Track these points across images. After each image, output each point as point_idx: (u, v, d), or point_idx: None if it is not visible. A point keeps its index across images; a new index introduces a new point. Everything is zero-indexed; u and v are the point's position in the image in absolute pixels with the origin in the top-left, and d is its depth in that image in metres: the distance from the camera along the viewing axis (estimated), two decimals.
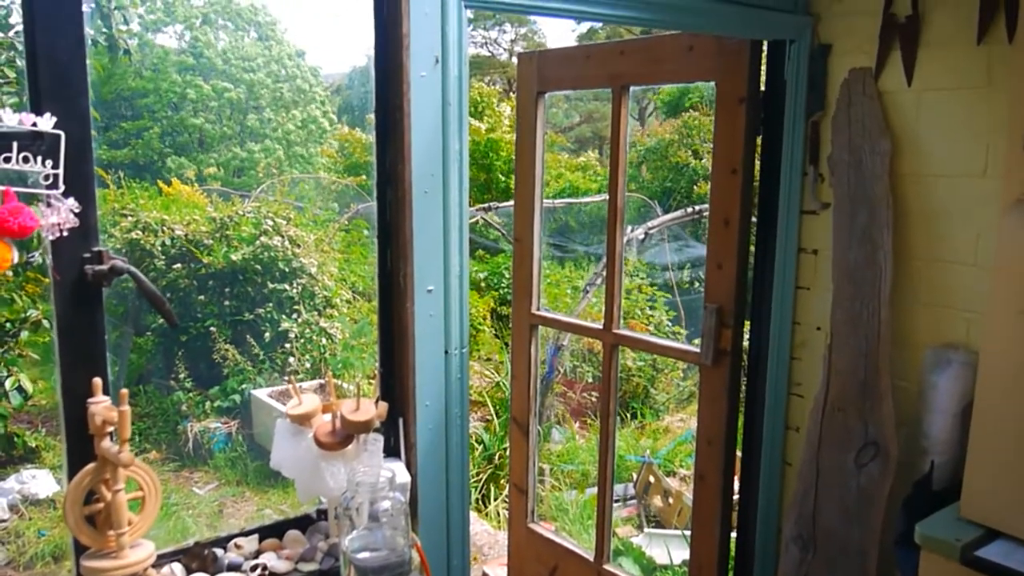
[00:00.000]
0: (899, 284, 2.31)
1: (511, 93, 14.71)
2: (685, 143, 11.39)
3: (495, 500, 4.94)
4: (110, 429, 1.60)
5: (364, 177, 9.99)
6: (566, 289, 8.13)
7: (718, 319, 2.57)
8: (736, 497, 2.78)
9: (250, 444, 6.12)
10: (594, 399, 6.44)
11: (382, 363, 2.12)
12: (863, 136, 2.34)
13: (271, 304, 6.65)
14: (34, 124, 1.52)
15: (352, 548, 1.74)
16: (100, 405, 1.60)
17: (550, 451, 5.63)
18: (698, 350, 2.65)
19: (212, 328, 6.44)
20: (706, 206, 3.07)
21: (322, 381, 6.15)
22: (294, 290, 6.72)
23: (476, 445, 5.37)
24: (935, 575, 1.84)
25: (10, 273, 4.39)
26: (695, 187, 10.71)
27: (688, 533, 3.16)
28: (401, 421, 2.07)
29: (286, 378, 6.26)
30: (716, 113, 2.54)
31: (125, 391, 1.58)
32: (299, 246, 6.93)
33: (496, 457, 5.22)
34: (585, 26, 18.13)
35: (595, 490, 4.49)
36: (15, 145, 1.49)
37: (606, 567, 3.04)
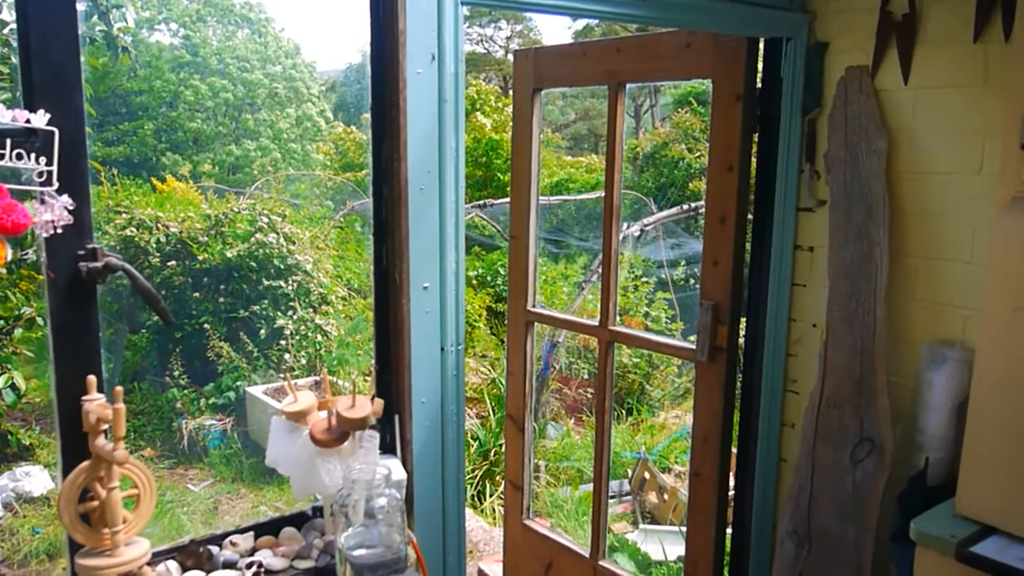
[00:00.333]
0: (895, 281, 2.31)
1: (508, 91, 14.70)
2: (680, 141, 11.41)
3: (490, 497, 4.94)
4: (105, 427, 1.59)
5: (364, 173, 9.98)
6: (562, 287, 8.13)
7: (714, 316, 2.57)
8: (731, 493, 2.78)
9: (245, 441, 6.12)
10: (589, 396, 6.44)
11: (378, 360, 2.11)
12: (859, 134, 2.34)
13: (266, 301, 6.64)
14: (27, 121, 1.52)
15: (348, 545, 1.73)
16: (95, 403, 1.60)
17: (545, 448, 5.63)
18: (694, 347, 2.65)
19: (207, 325, 6.43)
20: (702, 203, 3.07)
21: (317, 378, 6.14)
22: (289, 287, 6.71)
23: (471, 442, 5.37)
24: (930, 571, 1.84)
25: (3, 271, 4.38)
26: (689, 185, 10.73)
27: (683, 529, 3.16)
28: (397, 418, 2.07)
29: (281, 375, 6.26)
30: (712, 110, 2.54)
31: (119, 388, 1.58)
32: (294, 243, 6.92)
33: (492, 454, 5.22)
34: (581, 23, 18.13)
35: (590, 487, 4.50)
36: (8, 142, 1.48)
37: (601, 563, 3.04)
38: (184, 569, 1.80)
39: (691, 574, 2.76)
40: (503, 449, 4.54)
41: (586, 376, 6.72)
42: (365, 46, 1.99)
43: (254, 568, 1.80)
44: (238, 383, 6.33)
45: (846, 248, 2.36)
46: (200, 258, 6.69)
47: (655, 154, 11.76)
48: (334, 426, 1.84)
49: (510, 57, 18.10)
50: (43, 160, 1.52)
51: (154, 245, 6.67)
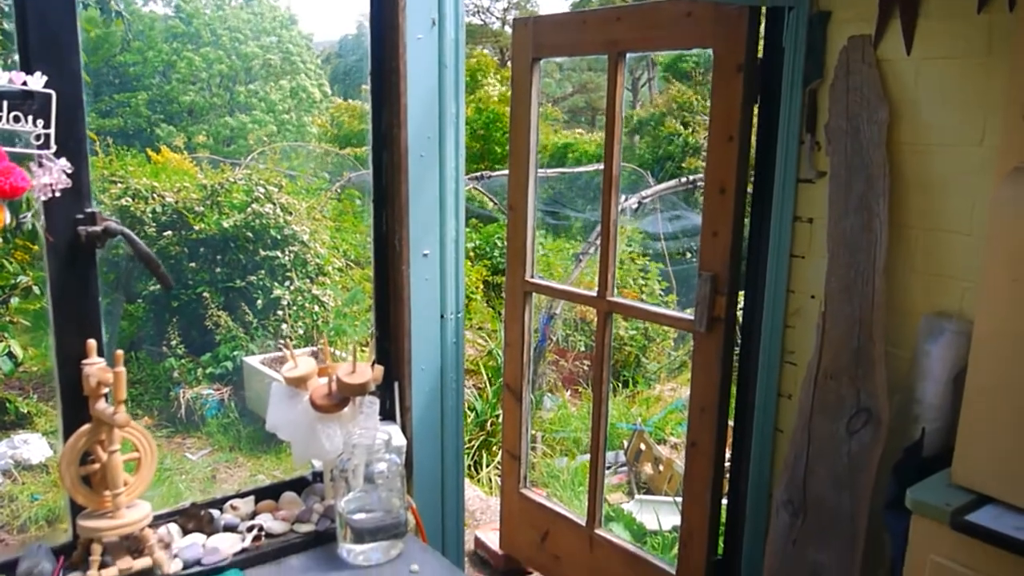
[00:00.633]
0: (894, 252, 2.31)
1: (505, 63, 14.60)
2: (676, 115, 11.37)
3: (487, 467, 4.97)
4: (105, 390, 1.60)
5: (364, 149, 9.94)
6: (558, 260, 8.13)
7: (712, 287, 2.57)
8: (727, 464, 2.80)
9: (242, 410, 6.14)
10: (586, 368, 6.46)
11: (378, 327, 2.12)
12: (861, 104, 2.33)
13: (263, 271, 6.63)
14: (24, 83, 1.50)
15: (348, 509, 1.75)
16: (95, 367, 1.60)
17: (542, 419, 5.66)
18: (692, 318, 2.66)
19: (204, 295, 6.43)
20: (700, 176, 3.06)
21: (314, 348, 6.15)
22: (286, 257, 6.70)
23: (468, 412, 5.39)
24: (925, 539, 1.86)
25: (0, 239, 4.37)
26: (686, 159, 10.72)
27: (678, 500, 3.19)
28: (397, 385, 2.08)
29: (281, 342, 6.27)
30: (713, 80, 2.53)
31: (120, 352, 1.58)
32: (291, 213, 6.90)
33: (488, 424, 5.25)
34: None
35: (586, 457, 4.52)
36: (5, 104, 1.47)
37: (597, 532, 3.07)
38: (185, 532, 1.81)
39: (686, 543, 2.78)
40: (500, 420, 4.56)
41: (583, 348, 6.74)
42: (362, 15, 1.98)
43: (255, 531, 1.81)
44: (235, 353, 6.34)
45: (846, 219, 2.36)
46: (196, 228, 6.67)
47: (651, 124, 11.72)
48: (334, 392, 1.85)
49: (507, 28, 17.96)
50: (40, 123, 1.51)
51: (150, 215, 6.64)
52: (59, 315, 1.62)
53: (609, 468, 4.89)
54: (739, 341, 2.74)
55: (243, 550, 1.76)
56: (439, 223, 2.05)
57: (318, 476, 2.03)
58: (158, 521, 1.77)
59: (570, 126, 16.07)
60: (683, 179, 6.70)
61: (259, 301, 6.52)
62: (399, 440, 2.00)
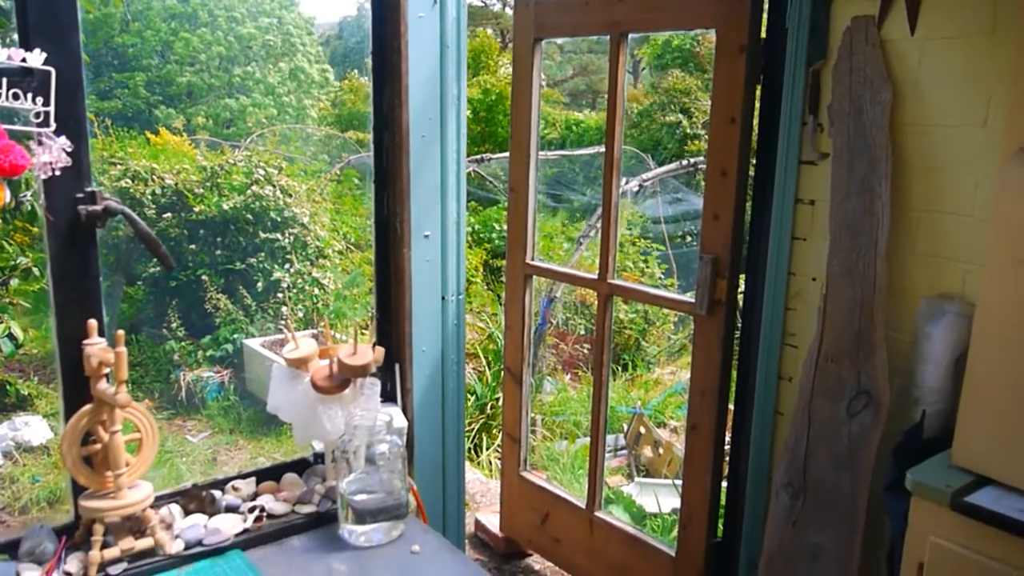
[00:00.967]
0: (896, 234, 2.31)
1: (507, 45, 14.53)
2: (674, 104, 11.33)
3: (487, 450, 4.98)
4: (106, 371, 1.60)
5: (364, 135, 9.91)
6: (561, 243, 8.11)
7: (714, 269, 2.57)
8: (727, 446, 2.81)
9: (243, 393, 6.15)
10: (585, 351, 6.47)
11: (378, 309, 2.12)
12: (864, 85, 2.32)
13: (263, 254, 6.62)
14: (23, 60, 1.49)
15: (349, 490, 1.75)
16: (96, 347, 1.60)
17: (542, 402, 5.67)
18: (692, 301, 2.65)
19: (204, 277, 6.42)
20: (701, 159, 3.05)
21: (315, 331, 6.15)
22: (286, 240, 6.69)
23: (469, 395, 5.40)
24: (925, 520, 1.86)
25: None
26: (685, 145, 10.71)
27: (678, 483, 3.20)
28: (398, 367, 2.08)
29: (282, 323, 6.27)
30: (716, 61, 2.51)
31: (121, 332, 1.58)
32: (291, 196, 6.88)
33: (488, 407, 5.26)
34: None
35: (585, 441, 4.53)
36: (4, 81, 1.46)
37: (597, 514, 3.08)
38: (187, 513, 1.81)
39: (686, 526, 2.79)
40: (500, 403, 4.56)
41: (582, 332, 6.74)
42: None
43: (256, 512, 1.81)
44: (235, 336, 6.34)
45: (848, 201, 2.35)
46: (196, 210, 6.65)
47: (650, 112, 11.69)
48: (335, 373, 1.85)
49: (508, 10, 17.85)
50: (40, 101, 1.50)
51: (149, 197, 6.62)
52: (60, 295, 1.62)
53: (609, 451, 4.90)
54: (740, 324, 2.74)
55: (245, 531, 1.77)
56: (441, 205, 2.04)
57: (319, 457, 2.03)
58: (160, 502, 1.77)
59: (570, 108, 16.00)
60: (684, 162, 6.67)
61: (259, 283, 6.52)
62: (400, 421, 2.00)
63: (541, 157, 6.25)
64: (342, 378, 1.85)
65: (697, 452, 2.74)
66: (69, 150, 1.53)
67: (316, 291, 6.62)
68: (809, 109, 2.49)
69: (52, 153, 1.52)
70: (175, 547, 1.67)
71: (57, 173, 1.53)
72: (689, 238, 8.48)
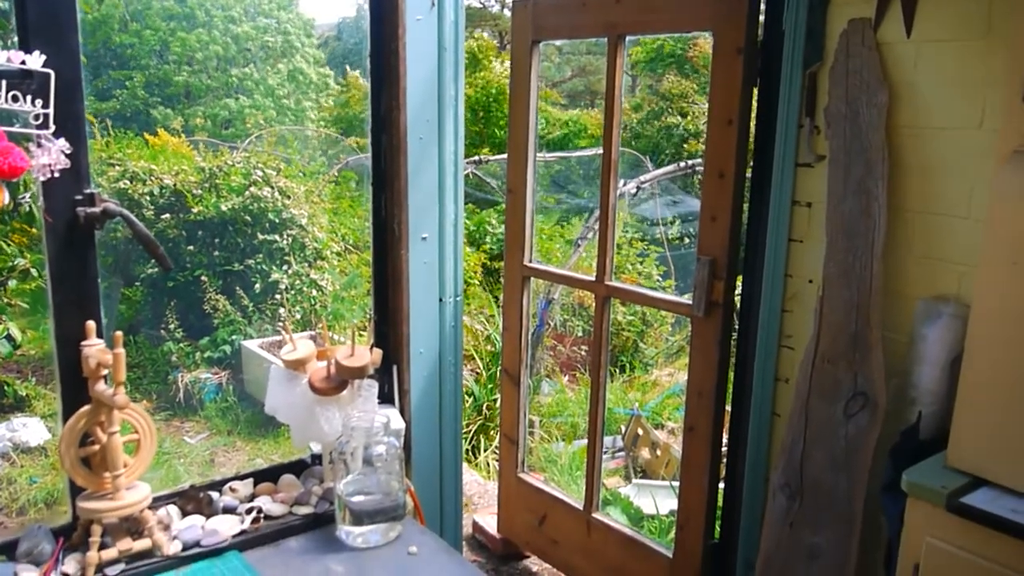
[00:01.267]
0: (892, 236, 2.32)
1: (505, 47, 14.54)
2: (673, 107, 11.36)
3: (485, 451, 4.98)
4: (104, 372, 1.60)
5: (362, 140, 9.91)
6: (556, 245, 8.12)
7: (711, 271, 2.57)
8: (724, 448, 2.81)
9: (241, 395, 6.14)
10: (583, 353, 6.47)
11: (376, 311, 2.12)
12: (860, 88, 2.33)
13: (261, 255, 6.62)
14: (23, 62, 1.50)
15: (347, 492, 1.75)
16: (94, 348, 1.60)
17: (540, 404, 5.67)
18: (690, 302, 2.66)
19: (202, 278, 6.42)
20: (699, 160, 3.06)
21: (313, 332, 6.15)
22: (284, 241, 6.69)
23: (467, 397, 5.40)
24: (921, 521, 1.87)
25: None
26: (684, 145, 10.72)
27: (675, 484, 3.21)
28: (395, 368, 2.08)
29: (280, 324, 6.26)
30: (713, 63, 2.52)
31: (119, 333, 1.58)
32: (289, 197, 6.88)
33: (485, 409, 5.26)
34: None
35: (583, 442, 4.53)
36: (3, 84, 1.47)
37: (595, 516, 3.08)
38: (184, 514, 1.82)
39: (683, 527, 2.80)
40: (497, 405, 4.57)
41: (580, 334, 6.74)
42: None
43: (254, 514, 1.82)
44: (233, 337, 6.34)
45: (844, 203, 2.36)
46: (195, 211, 6.65)
47: (649, 118, 11.72)
48: (333, 375, 1.85)
49: (506, 12, 17.85)
50: (39, 103, 1.51)
51: (148, 198, 6.62)
52: (58, 296, 1.62)
53: (606, 453, 4.90)
54: (737, 325, 2.75)
55: (242, 532, 1.77)
56: (438, 206, 2.05)
57: (317, 459, 2.03)
58: (157, 503, 1.77)
59: (569, 110, 16.01)
60: (681, 163, 6.67)
61: (257, 285, 6.52)
62: (398, 423, 2.01)
63: (539, 158, 6.25)
64: (340, 379, 1.85)
65: (694, 453, 2.74)
66: (68, 152, 1.54)
67: (314, 292, 6.62)
68: (806, 111, 2.50)
69: (51, 155, 1.52)
70: (173, 548, 1.67)
71: (56, 175, 1.53)
72: (687, 239, 8.48)
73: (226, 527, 1.76)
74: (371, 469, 1.75)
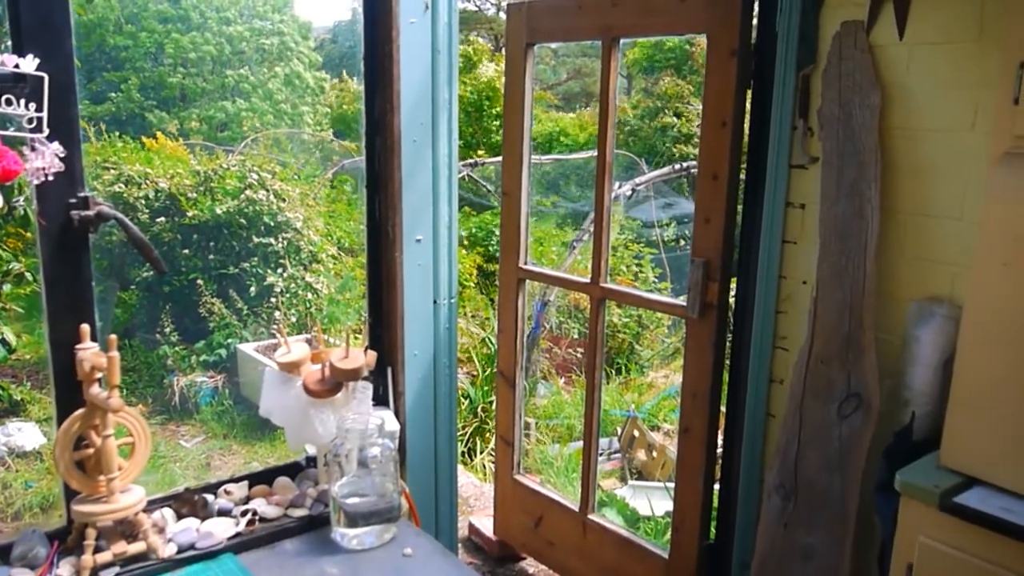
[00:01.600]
0: (885, 238, 2.32)
1: (499, 50, 14.55)
2: (668, 108, 11.39)
3: (480, 453, 4.98)
4: (99, 375, 1.60)
5: (357, 145, 9.91)
6: (551, 247, 8.12)
7: (705, 273, 2.58)
8: (719, 449, 2.82)
9: (236, 398, 6.14)
10: (579, 355, 6.47)
11: (371, 313, 2.12)
12: (853, 90, 2.34)
13: (256, 258, 6.61)
14: (16, 66, 1.50)
15: (342, 494, 1.76)
16: (89, 351, 1.60)
17: (535, 406, 5.68)
18: (684, 304, 2.66)
19: (197, 282, 6.41)
20: (693, 162, 3.07)
21: (308, 335, 6.14)
22: (279, 244, 6.69)
23: (463, 400, 5.40)
24: (914, 520, 1.88)
25: None
26: (677, 146, 10.75)
27: (671, 486, 3.21)
28: (390, 370, 2.08)
29: (274, 327, 6.26)
30: (707, 66, 2.52)
31: (114, 336, 1.58)
32: (284, 200, 6.88)
33: (481, 411, 5.26)
34: None
35: (579, 444, 4.53)
36: None
37: (591, 517, 3.09)
38: (179, 517, 1.82)
39: (679, 528, 2.80)
40: (493, 407, 4.57)
41: (576, 336, 6.75)
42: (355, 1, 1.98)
43: (249, 516, 1.82)
44: (229, 340, 6.33)
45: (838, 205, 2.37)
46: (190, 214, 6.65)
47: (645, 118, 11.74)
48: (327, 377, 1.85)
49: (502, 15, 17.87)
50: (33, 106, 1.51)
51: (143, 201, 6.62)
52: (52, 300, 1.62)
53: (602, 455, 4.91)
54: (731, 327, 2.75)
55: (237, 534, 1.77)
56: (432, 209, 2.05)
57: (311, 461, 2.04)
58: (152, 506, 1.77)
59: (564, 112, 16.03)
60: (676, 166, 6.69)
61: (252, 288, 6.51)
62: (392, 425, 2.01)
63: (534, 161, 6.25)
64: (334, 382, 1.85)
65: (689, 455, 2.75)
66: (62, 155, 1.54)
67: (309, 296, 6.62)
68: (799, 113, 2.51)
69: (45, 159, 1.52)
70: (168, 551, 1.67)
71: (50, 178, 1.53)
72: (682, 241, 8.50)
73: (221, 530, 1.76)
74: (366, 471, 1.76)
